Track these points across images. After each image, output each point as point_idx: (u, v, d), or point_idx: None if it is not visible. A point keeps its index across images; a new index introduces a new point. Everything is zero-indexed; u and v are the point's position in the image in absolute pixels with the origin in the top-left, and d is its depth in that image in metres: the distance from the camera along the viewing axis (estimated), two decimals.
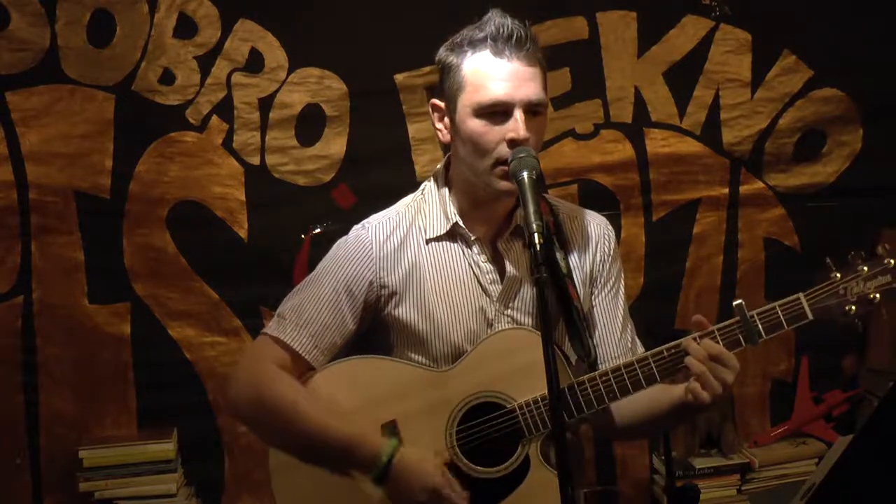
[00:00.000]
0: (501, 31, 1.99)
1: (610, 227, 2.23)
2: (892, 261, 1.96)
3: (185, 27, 3.20)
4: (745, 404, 3.56)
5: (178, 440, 3.23)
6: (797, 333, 3.54)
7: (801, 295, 1.97)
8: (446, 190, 2.14)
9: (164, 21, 3.18)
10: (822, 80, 3.46)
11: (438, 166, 2.19)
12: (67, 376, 3.24)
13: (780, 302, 1.97)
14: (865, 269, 1.96)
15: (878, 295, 1.95)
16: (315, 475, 2.05)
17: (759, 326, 1.96)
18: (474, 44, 2.01)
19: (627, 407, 2.11)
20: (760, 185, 3.51)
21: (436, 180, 2.17)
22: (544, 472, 2.01)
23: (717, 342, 1.96)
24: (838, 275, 1.96)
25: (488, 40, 1.99)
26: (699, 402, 1.95)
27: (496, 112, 1.99)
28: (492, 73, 1.98)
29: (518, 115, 1.98)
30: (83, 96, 3.18)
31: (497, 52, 1.99)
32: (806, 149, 3.51)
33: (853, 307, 1.95)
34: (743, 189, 3.50)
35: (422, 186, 2.20)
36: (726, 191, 3.50)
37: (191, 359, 3.30)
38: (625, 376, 1.99)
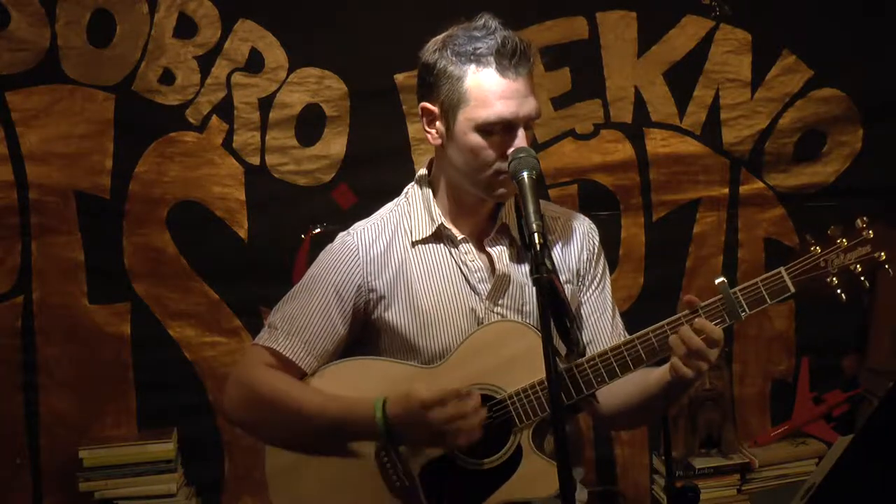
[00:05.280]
0: (506, 46, 2.00)
1: (594, 226, 2.26)
2: (871, 232, 2.00)
3: (185, 27, 3.20)
4: (745, 404, 3.56)
5: (178, 440, 3.23)
6: (797, 334, 3.55)
7: (781, 269, 2.00)
8: (430, 192, 2.17)
9: (164, 21, 3.18)
10: (822, 80, 3.45)
11: (421, 170, 2.21)
12: (67, 376, 3.24)
13: (761, 277, 2.00)
14: (845, 241, 2.00)
15: (859, 266, 1.98)
16: (314, 479, 2.05)
17: (743, 302, 1.98)
18: (478, 59, 2.01)
19: (618, 391, 2.11)
20: (760, 185, 3.51)
21: (419, 184, 2.20)
22: (537, 459, 2.02)
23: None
24: (818, 248, 2.00)
25: (493, 56, 2.00)
26: (682, 379, 1.95)
27: (498, 128, 2.02)
28: (497, 91, 2.01)
29: (520, 132, 2.02)
30: (83, 96, 3.18)
31: (503, 71, 2.00)
32: (806, 149, 3.50)
33: (834, 279, 1.99)
34: (743, 189, 3.50)
35: (404, 191, 2.22)
36: (726, 191, 3.49)
37: (191, 359, 3.30)
38: (612, 359, 2.01)
